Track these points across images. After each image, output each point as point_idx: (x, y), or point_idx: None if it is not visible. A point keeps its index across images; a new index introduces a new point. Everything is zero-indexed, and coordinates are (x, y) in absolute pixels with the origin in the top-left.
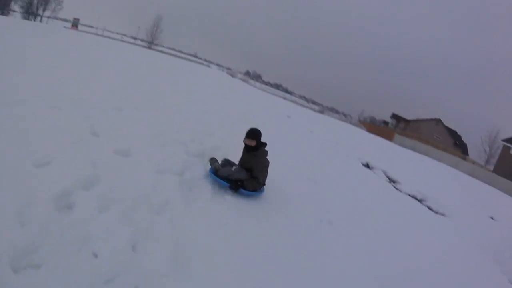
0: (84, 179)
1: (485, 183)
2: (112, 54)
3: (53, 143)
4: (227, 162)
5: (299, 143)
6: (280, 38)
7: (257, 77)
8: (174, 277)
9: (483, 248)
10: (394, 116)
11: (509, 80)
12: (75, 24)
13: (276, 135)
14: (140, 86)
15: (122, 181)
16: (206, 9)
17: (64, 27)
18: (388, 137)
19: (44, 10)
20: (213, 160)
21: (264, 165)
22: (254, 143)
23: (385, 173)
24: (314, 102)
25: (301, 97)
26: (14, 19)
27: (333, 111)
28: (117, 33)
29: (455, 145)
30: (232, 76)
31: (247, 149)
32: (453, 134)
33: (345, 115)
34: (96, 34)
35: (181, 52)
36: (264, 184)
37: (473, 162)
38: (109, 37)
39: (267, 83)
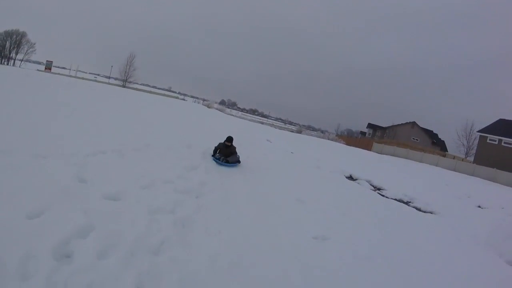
0: (78, 228)
1: (468, 175)
2: (85, 96)
3: (42, 193)
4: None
5: (282, 165)
6: (251, 63)
7: (232, 105)
8: None
9: (476, 237)
10: (370, 125)
11: (473, 74)
12: (48, 66)
13: (258, 161)
14: (118, 127)
15: (116, 225)
16: (177, 43)
17: (38, 70)
18: (367, 146)
19: (17, 53)
20: (215, 152)
21: (235, 152)
22: (230, 143)
23: (369, 182)
24: (291, 123)
25: (277, 119)
26: None
27: (310, 129)
28: (90, 73)
29: (433, 143)
30: (208, 107)
31: (226, 146)
32: (429, 133)
33: (322, 132)
34: (70, 75)
35: (155, 87)
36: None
37: (454, 157)
38: (82, 78)
39: (242, 110)
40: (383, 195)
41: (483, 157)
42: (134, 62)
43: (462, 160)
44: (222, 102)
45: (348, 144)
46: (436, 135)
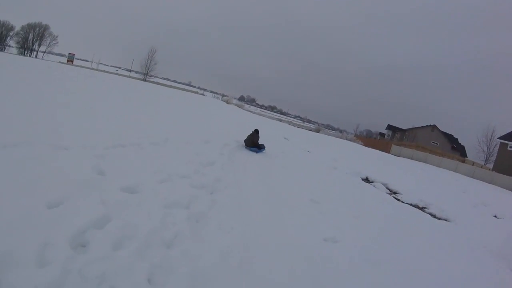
0: (96, 218)
1: (486, 182)
2: (108, 90)
3: (63, 184)
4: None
5: (298, 164)
6: (271, 60)
7: (251, 101)
8: None
9: (489, 248)
10: (390, 127)
11: (498, 79)
12: (70, 58)
13: (274, 158)
14: (138, 120)
15: (132, 217)
16: (197, 38)
17: (60, 62)
18: (386, 149)
19: (39, 45)
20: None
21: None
22: (258, 134)
23: (385, 185)
24: (309, 121)
25: (296, 117)
26: (9, 55)
27: (329, 128)
28: (112, 66)
29: (452, 148)
30: (227, 102)
31: (253, 135)
32: (449, 138)
33: (341, 131)
34: (92, 68)
35: (175, 81)
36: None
37: (473, 163)
38: (104, 71)
39: (261, 106)
40: (398, 199)
41: (503, 165)
42: (155, 56)
43: (481, 167)
44: (241, 98)
45: (366, 145)
46: (457, 139)
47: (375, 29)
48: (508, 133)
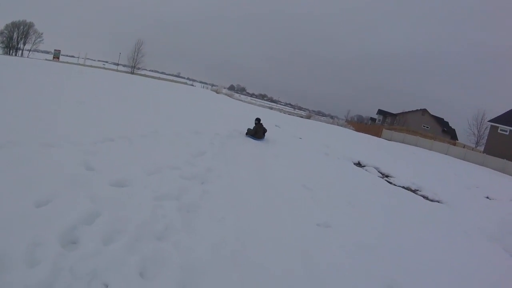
0: (85, 214)
1: (477, 165)
2: (95, 84)
3: (51, 182)
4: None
5: (289, 151)
6: (260, 48)
7: (241, 90)
8: None
9: (482, 229)
10: (380, 112)
11: (488, 64)
12: (56, 55)
13: (265, 147)
14: (126, 114)
15: (122, 211)
16: (185, 29)
17: (46, 59)
18: (377, 133)
19: (24, 43)
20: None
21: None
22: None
23: (377, 169)
24: (300, 108)
25: (287, 104)
26: None
27: (319, 114)
28: (99, 61)
29: (443, 132)
30: (216, 92)
31: (260, 126)
32: (440, 121)
33: (332, 117)
34: (78, 64)
35: (164, 73)
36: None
37: (464, 146)
38: (91, 66)
39: (252, 95)
40: (391, 183)
41: (494, 148)
42: (142, 48)
43: (472, 149)
44: (231, 87)
45: (357, 130)
46: (447, 123)
47: (367, 16)
48: (499, 116)
